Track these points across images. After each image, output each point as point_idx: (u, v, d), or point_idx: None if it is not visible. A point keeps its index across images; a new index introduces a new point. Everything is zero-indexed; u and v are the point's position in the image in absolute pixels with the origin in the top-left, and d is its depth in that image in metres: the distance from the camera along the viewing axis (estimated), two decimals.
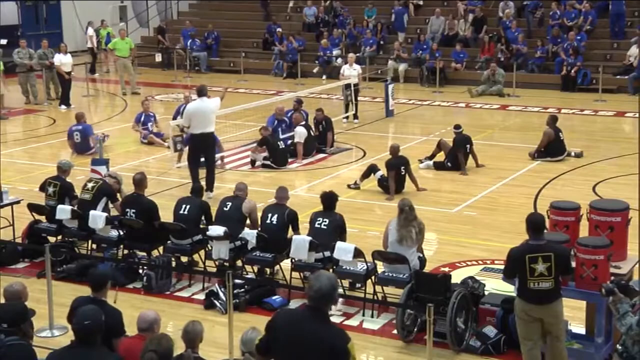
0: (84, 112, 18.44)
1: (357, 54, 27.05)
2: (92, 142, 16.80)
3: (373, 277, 9.80)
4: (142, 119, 18.32)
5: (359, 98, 20.55)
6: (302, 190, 14.70)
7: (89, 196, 11.34)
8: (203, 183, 13.28)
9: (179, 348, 6.68)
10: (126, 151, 17.68)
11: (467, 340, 8.72)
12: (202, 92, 14.10)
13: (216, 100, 14.36)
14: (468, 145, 15.71)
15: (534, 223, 7.59)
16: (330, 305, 5.46)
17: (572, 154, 16.52)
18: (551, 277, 7.40)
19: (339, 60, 27.14)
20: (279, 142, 16.30)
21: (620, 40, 25.43)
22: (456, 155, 15.59)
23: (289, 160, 16.48)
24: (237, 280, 9.64)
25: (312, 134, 16.98)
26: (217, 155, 16.33)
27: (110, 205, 11.48)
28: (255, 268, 10.68)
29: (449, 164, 15.68)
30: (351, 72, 20.38)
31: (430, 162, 15.86)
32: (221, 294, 9.73)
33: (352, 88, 20.07)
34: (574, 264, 7.93)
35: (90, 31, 27.86)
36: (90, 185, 11.53)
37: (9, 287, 7.52)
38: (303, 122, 17.02)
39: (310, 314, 5.32)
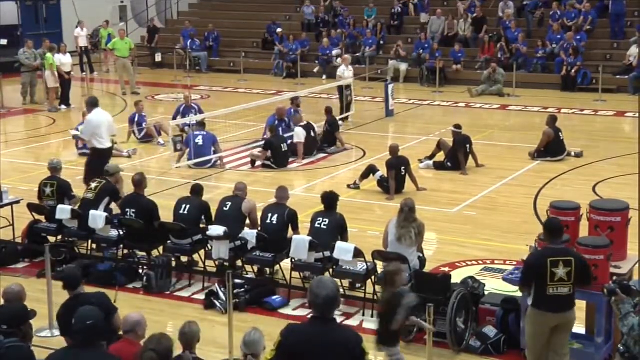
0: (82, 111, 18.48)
1: (357, 54, 27.15)
2: None
3: (373, 277, 9.80)
4: (137, 119, 18.36)
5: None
6: (302, 190, 14.69)
7: (92, 195, 11.35)
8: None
9: (179, 348, 6.67)
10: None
11: (467, 340, 8.71)
12: (95, 104, 13.48)
13: (109, 115, 13.87)
14: (468, 145, 15.71)
15: (552, 226, 7.48)
16: (336, 309, 5.47)
17: (572, 154, 16.51)
18: (570, 282, 7.28)
19: (339, 60, 27.14)
20: (282, 145, 16.25)
21: (620, 40, 25.44)
22: (456, 155, 15.59)
23: (290, 160, 16.47)
24: (237, 280, 9.64)
25: (312, 134, 16.98)
26: (216, 156, 16.37)
27: (113, 205, 11.48)
28: (255, 268, 10.68)
29: (448, 164, 15.68)
30: (349, 73, 20.40)
31: (430, 162, 15.86)
32: (221, 294, 9.73)
33: (352, 88, 20.19)
34: None
35: (79, 31, 27.78)
36: (93, 185, 11.54)
37: (8, 289, 7.52)
38: (304, 123, 17.03)
39: (322, 324, 5.35)
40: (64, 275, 7.97)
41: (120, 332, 7.18)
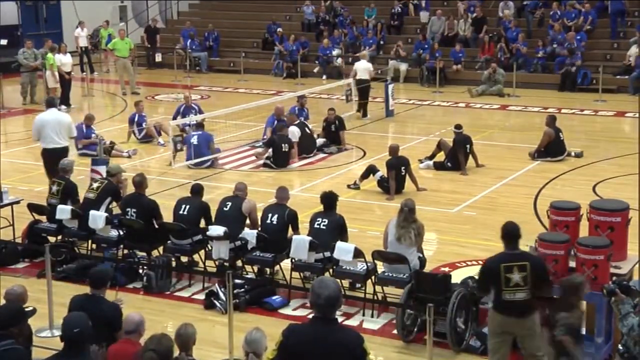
0: (82, 112, 18.54)
1: (357, 54, 27.14)
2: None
3: (373, 277, 9.80)
4: (137, 119, 18.38)
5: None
6: (302, 190, 14.69)
7: (93, 195, 11.36)
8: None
9: (176, 350, 6.67)
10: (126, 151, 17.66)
11: (467, 340, 8.71)
12: (51, 104, 13.84)
13: (69, 117, 14.03)
14: (468, 145, 15.70)
15: (508, 232, 7.48)
16: (337, 310, 5.47)
17: (572, 154, 16.51)
18: (526, 287, 7.26)
19: (339, 60, 27.17)
20: (283, 144, 16.24)
21: (621, 40, 25.44)
22: (456, 155, 15.59)
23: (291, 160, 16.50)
24: (237, 280, 9.64)
25: (307, 131, 17.02)
26: (212, 156, 16.39)
27: (113, 205, 11.49)
28: (255, 268, 10.69)
29: (448, 164, 15.68)
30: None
31: (430, 162, 15.86)
32: (221, 294, 9.73)
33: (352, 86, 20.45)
34: (573, 264, 7.92)
35: (79, 31, 27.81)
36: (95, 185, 11.57)
37: (10, 290, 7.52)
38: (297, 122, 17.08)
39: (323, 324, 5.34)
40: (94, 271, 8.01)
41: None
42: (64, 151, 13.34)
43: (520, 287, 7.26)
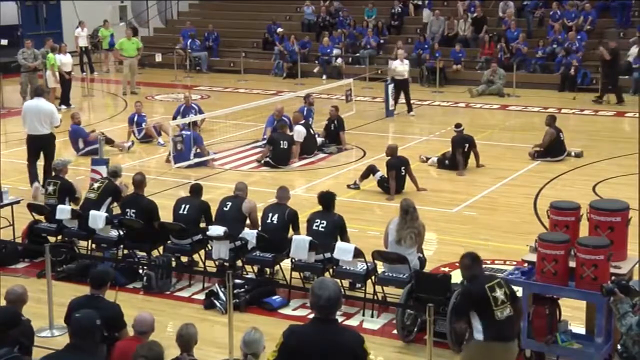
0: (82, 112, 18.58)
1: (357, 54, 27.15)
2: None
3: (373, 277, 9.80)
4: (136, 119, 18.37)
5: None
6: (302, 190, 14.69)
7: (94, 195, 11.39)
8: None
9: (173, 347, 6.67)
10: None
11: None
12: (37, 92, 14.55)
13: (51, 106, 14.41)
14: (467, 145, 15.67)
15: (475, 257, 7.34)
16: (337, 310, 5.47)
17: (572, 154, 16.51)
18: (508, 302, 7.19)
19: (339, 60, 27.15)
20: (281, 142, 16.26)
21: (621, 40, 25.39)
22: (454, 154, 15.59)
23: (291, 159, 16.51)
24: (237, 280, 9.64)
25: (311, 132, 17.03)
26: (207, 157, 16.36)
27: (114, 205, 11.50)
28: (255, 268, 10.69)
29: (446, 162, 15.71)
30: (404, 67, 21.05)
31: (435, 159, 15.94)
32: (221, 294, 9.74)
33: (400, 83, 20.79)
34: (573, 264, 7.92)
35: (79, 31, 27.81)
36: (96, 185, 11.60)
37: (11, 290, 7.52)
38: (302, 121, 17.08)
39: (324, 325, 5.35)
40: (94, 271, 8.07)
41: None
42: (45, 139, 14.10)
43: (505, 303, 7.17)
